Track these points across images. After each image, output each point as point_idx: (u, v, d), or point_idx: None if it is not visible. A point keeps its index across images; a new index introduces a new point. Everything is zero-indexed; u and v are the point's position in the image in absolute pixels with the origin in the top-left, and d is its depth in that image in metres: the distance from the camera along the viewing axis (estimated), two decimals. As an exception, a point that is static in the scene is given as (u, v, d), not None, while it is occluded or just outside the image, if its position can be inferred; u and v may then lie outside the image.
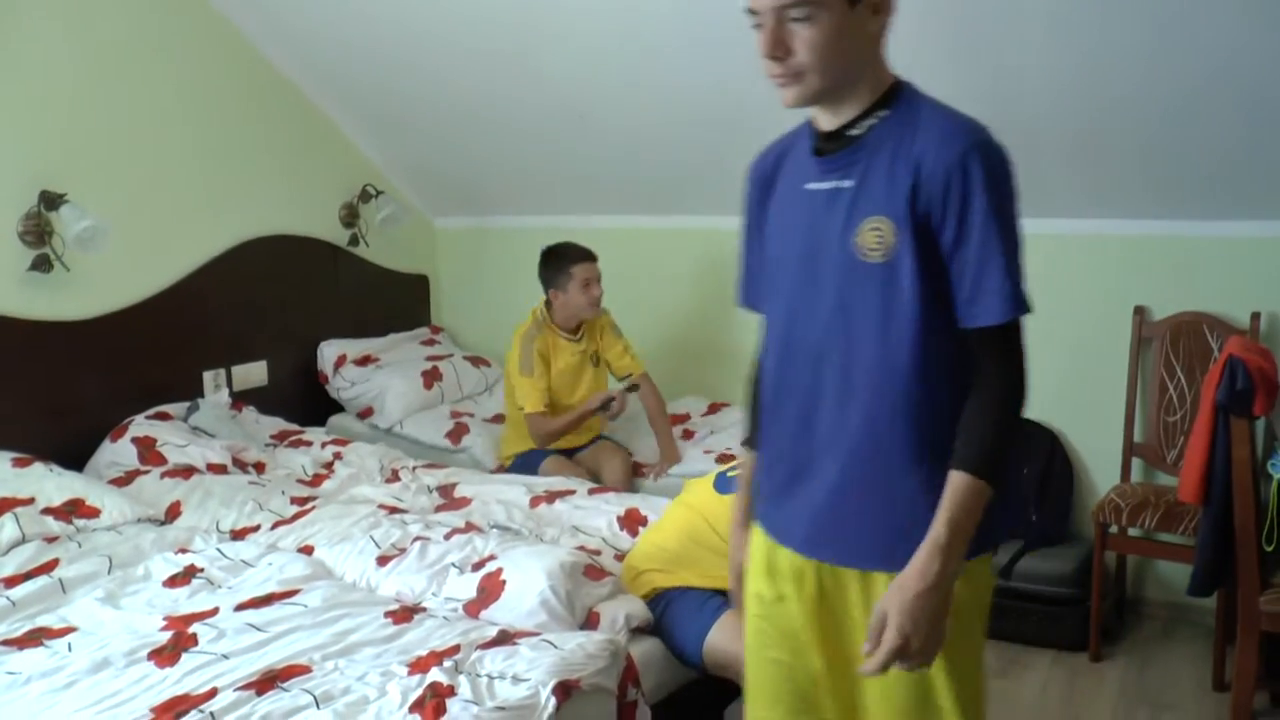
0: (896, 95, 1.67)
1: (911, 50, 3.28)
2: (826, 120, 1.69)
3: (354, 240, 4.70)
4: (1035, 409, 3.82)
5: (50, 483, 3.11)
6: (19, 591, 2.59)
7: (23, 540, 2.86)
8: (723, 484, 2.62)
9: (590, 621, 2.44)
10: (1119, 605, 3.81)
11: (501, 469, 4.00)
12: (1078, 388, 3.90)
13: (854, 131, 1.66)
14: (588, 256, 3.93)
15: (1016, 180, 1.64)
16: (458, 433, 4.22)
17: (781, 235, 1.79)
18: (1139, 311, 3.74)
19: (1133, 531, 3.59)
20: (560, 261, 3.93)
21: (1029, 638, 3.62)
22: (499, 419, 4.31)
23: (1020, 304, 1.59)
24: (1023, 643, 3.62)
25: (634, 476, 3.93)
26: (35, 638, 2.38)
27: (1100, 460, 3.88)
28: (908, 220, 1.59)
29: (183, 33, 3.96)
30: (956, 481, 1.57)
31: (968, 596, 1.73)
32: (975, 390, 1.60)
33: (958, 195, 1.57)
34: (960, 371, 1.62)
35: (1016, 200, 1.63)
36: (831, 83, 1.61)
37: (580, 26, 3.63)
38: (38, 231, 3.46)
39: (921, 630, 1.57)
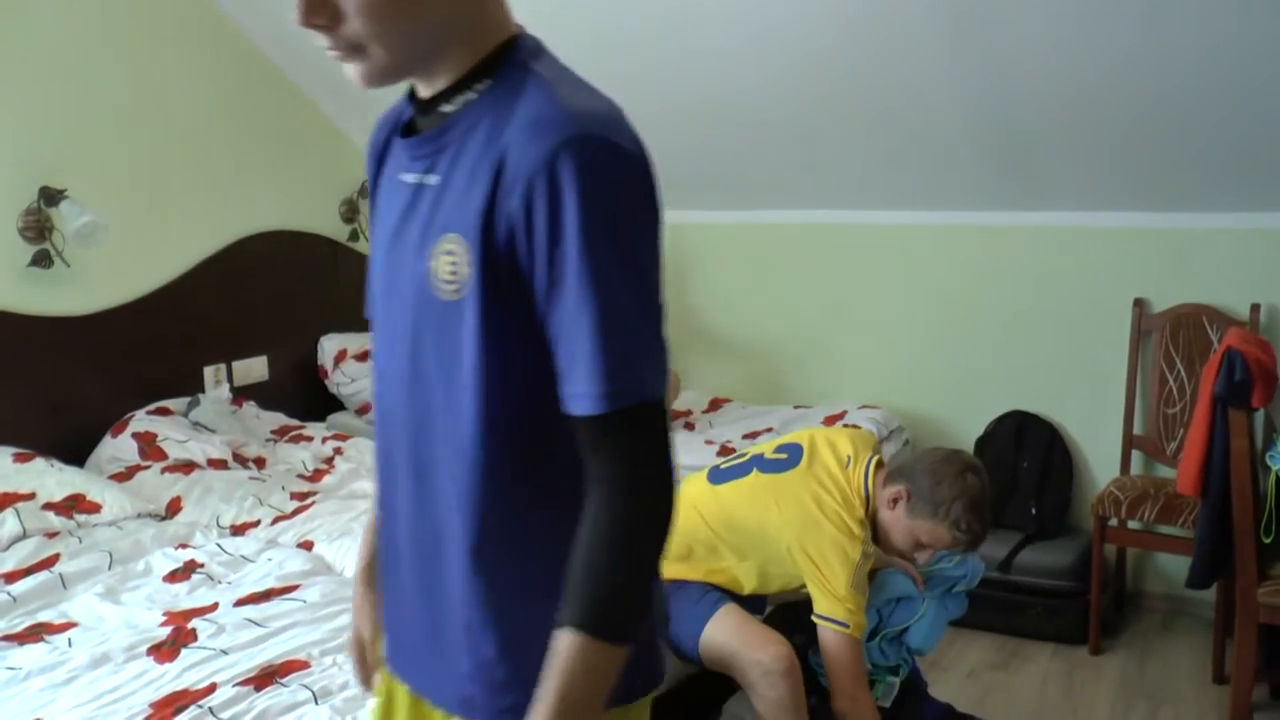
0: (506, 58, 1.19)
1: (905, 41, 3.31)
2: (424, 85, 1.23)
3: (354, 235, 4.70)
4: (1036, 401, 3.89)
5: (51, 478, 3.11)
6: (20, 587, 2.59)
7: (24, 535, 2.87)
8: (716, 476, 2.62)
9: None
10: (1118, 598, 3.81)
11: None
12: (1077, 380, 3.91)
13: (446, 107, 1.20)
14: None
15: (652, 200, 1.15)
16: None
17: (375, 239, 1.30)
18: (1138, 304, 3.74)
19: (1132, 524, 3.60)
20: None
21: (1028, 631, 3.63)
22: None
23: (618, 393, 1.08)
24: (1022, 636, 3.63)
25: None
26: (35, 633, 2.39)
27: (1100, 453, 3.89)
28: (479, 245, 1.11)
29: (183, 29, 3.96)
30: (563, 641, 1.09)
31: None
32: (586, 510, 1.12)
33: (544, 220, 1.08)
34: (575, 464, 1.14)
35: (646, 233, 1.14)
36: (408, 52, 1.16)
37: (577, 23, 3.62)
38: (38, 227, 3.47)
39: None
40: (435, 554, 1.22)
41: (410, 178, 1.22)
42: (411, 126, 1.26)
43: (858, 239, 4.26)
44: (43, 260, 3.48)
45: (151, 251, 3.88)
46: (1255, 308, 3.56)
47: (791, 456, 2.51)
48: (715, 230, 4.45)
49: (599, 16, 3.57)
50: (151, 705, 2.07)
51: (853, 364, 4.33)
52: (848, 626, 2.33)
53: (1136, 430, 3.77)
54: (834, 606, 2.34)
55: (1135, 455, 3.79)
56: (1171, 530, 3.54)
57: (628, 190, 1.12)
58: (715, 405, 4.35)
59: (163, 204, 3.92)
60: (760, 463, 2.55)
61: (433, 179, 1.18)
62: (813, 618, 2.37)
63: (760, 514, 2.45)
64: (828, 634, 2.35)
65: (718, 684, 2.54)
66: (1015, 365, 4.01)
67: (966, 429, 4.06)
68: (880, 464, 2.50)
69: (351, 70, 1.17)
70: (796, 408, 4.24)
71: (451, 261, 1.13)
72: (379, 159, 1.33)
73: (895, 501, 2.40)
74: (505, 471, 1.16)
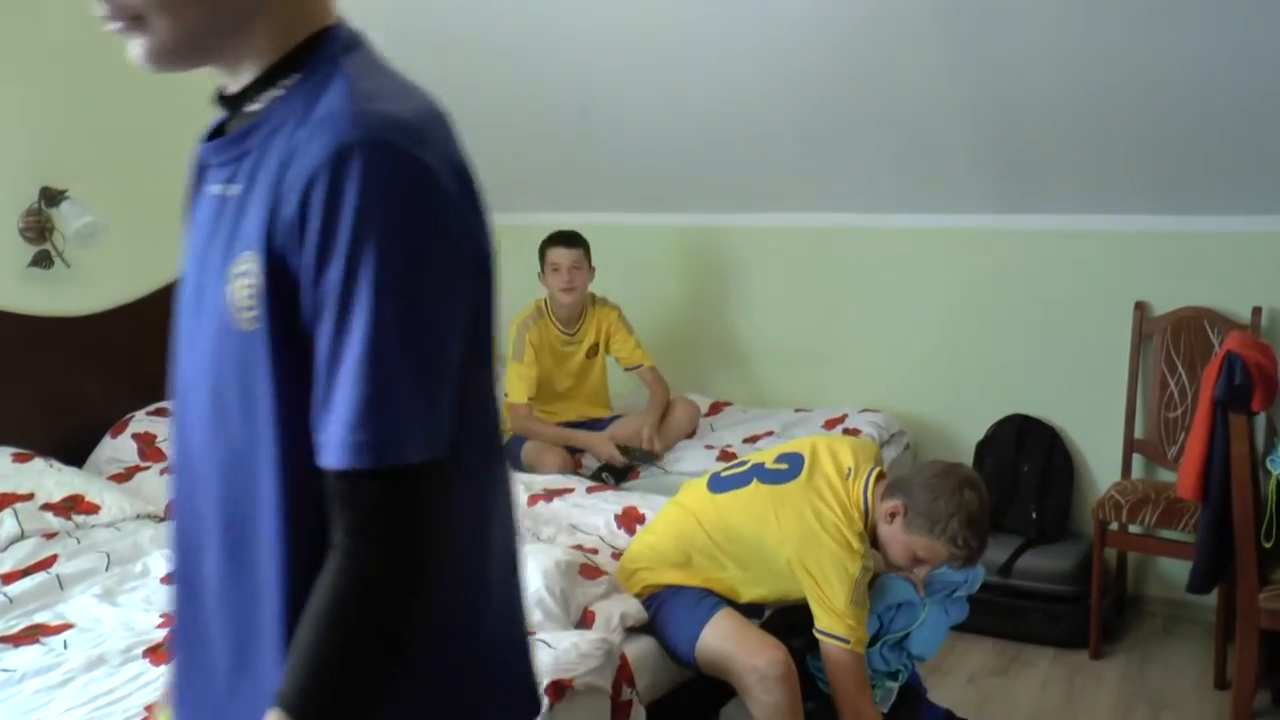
0: (316, 51, 1.02)
1: (907, 45, 3.31)
2: (229, 78, 1.08)
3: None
4: (1037, 405, 3.88)
5: (50, 478, 3.10)
6: (16, 588, 2.59)
7: (21, 536, 2.86)
8: (716, 484, 2.62)
9: (585, 620, 2.44)
10: (1119, 602, 3.80)
11: None
12: (1078, 384, 3.90)
13: (252, 105, 1.04)
14: (561, 241, 3.94)
15: (448, 226, 0.96)
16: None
17: (183, 264, 1.10)
18: (1139, 307, 3.73)
19: (1133, 528, 3.59)
20: (542, 247, 3.98)
21: (1029, 635, 3.62)
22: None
23: (364, 447, 0.91)
24: (1022, 640, 3.63)
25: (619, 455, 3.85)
26: (32, 635, 2.38)
27: (1101, 456, 3.88)
28: (265, 262, 0.95)
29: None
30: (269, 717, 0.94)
31: None
32: (320, 576, 0.95)
33: (315, 233, 0.92)
34: None
35: (436, 264, 0.94)
36: (198, 27, 1.00)
37: (579, 23, 3.62)
38: (38, 228, 3.47)
39: None
40: (250, 626, 1.03)
41: (215, 189, 1.05)
42: (221, 130, 1.09)
43: (858, 242, 4.25)
44: (43, 260, 3.48)
45: (152, 251, 3.87)
46: (1256, 311, 3.55)
47: (792, 467, 2.50)
48: (713, 233, 4.45)
49: (610, 25, 3.58)
50: (147, 708, 2.05)
51: (853, 367, 4.32)
52: (848, 642, 2.33)
53: (1137, 434, 3.76)
54: (834, 622, 2.34)
55: (1136, 459, 3.78)
56: (1172, 534, 3.52)
57: (417, 209, 0.93)
58: (715, 409, 4.34)
59: (163, 204, 3.89)
60: (760, 473, 2.55)
61: (235, 189, 1.01)
62: (814, 633, 2.37)
63: (759, 526, 2.45)
64: (830, 649, 2.35)
65: (714, 689, 2.53)
66: (1016, 369, 4.00)
67: (967, 433, 4.05)
68: (881, 475, 2.49)
69: (133, 48, 1.02)
70: (797, 411, 4.23)
71: (248, 285, 0.96)
72: (200, 171, 1.11)
73: (893, 516, 2.39)
74: (316, 527, 0.96)
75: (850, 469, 2.47)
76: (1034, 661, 3.53)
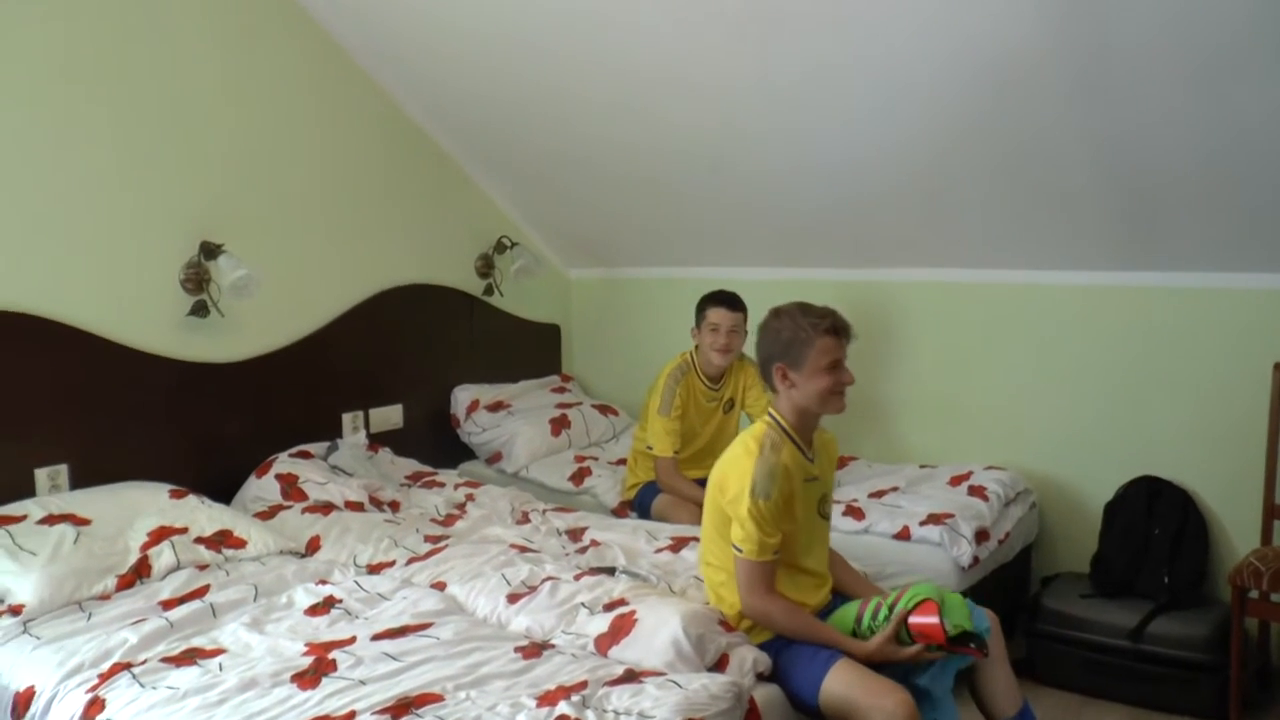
0: None
1: (1030, 100, 3.31)
2: None
3: (489, 290, 4.86)
4: (1168, 467, 3.80)
5: (202, 514, 3.29)
6: (176, 614, 2.74)
7: (178, 566, 3.05)
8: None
9: (721, 665, 2.47)
10: (1262, 673, 3.67)
11: (625, 504, 4.08)
12: (1213, 446, 3.81)
13: None
14: (723, 302, 3.99)
15: None
16: (580, 475, 4.32)
17: None
18: (1279, 369, 3.64)
19: (1275, 597, 3.47)
20: (702, 303, 4.03)
21: (1163, 703, 3.52)
22: (622, 462, 4.39)
23: None
24: (1154, 708, 3.52)
25: None
26: (190, 657, 2.52)
27: (1238, 522, 3.77)
28: None
29: (329, 92, 4.19)
30: None
31: None
32: None
33: None
34: None
35: None
36: None
37: (710, 80, 3.73)
38: (197, 279, 3.68)
39: None
40: None
41: None
42: None
43: (986, 298, 4.24)
44: (200, 310, 3.69)
45: (298, 303, 4.08)
46: (1406, 375, 3.44)
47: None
48: (839, 288, 4.47)
49: (738, 80, 3.67)
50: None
51: (980, 424, 4.29)
52: (742, 551, 2.56)
53: (1278, 500, 3.65)
54: (736, 532, 2.57)
55: (1278, 526, 3.66)
56: (1318, 605, 3.40)
57: None
58: (842, 463, 4.34)
59: (309, 258, 4.13)
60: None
61: None
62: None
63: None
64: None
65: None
66: (1147, 429, 3.93)
67: (1095, 492, 3.98)
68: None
69: None
70: (922, 467, 4.21)
71: None
72: None
73: (784, 376, 2.62)
74: None
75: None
76: (1168, 731, 3.42)
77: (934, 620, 2.44)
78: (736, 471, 2.61)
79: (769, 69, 3.56)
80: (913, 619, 2.47)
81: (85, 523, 3.08)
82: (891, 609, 2.52)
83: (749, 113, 3.82)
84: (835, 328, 2.62)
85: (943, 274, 4.32)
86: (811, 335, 2.58)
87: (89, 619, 2.75)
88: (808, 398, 2.62)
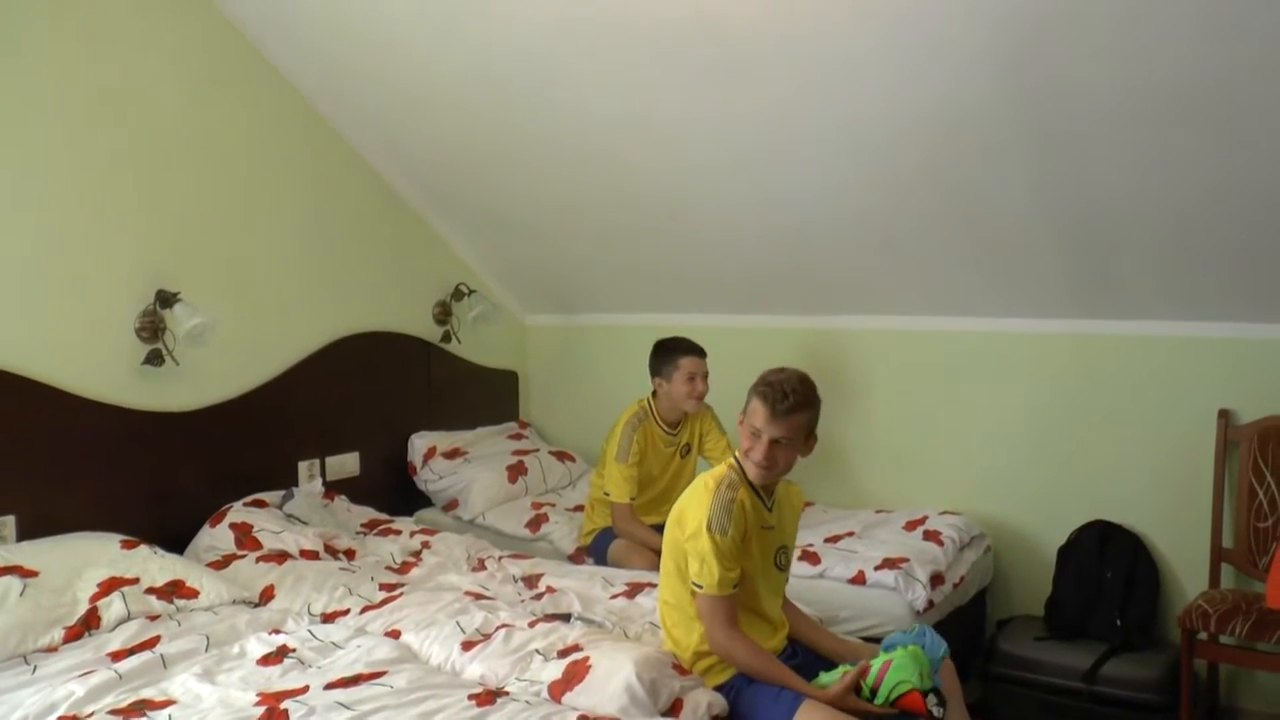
0: None
1: (987, 151, 3.38)
2: None
3: (446, 337, 4.87)
4: (1119, 511, 3.85)
5: (154, 564, 3.24)
6: (125, 665, 2.69)
7: (128, 617, 3.00)
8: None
9: (674, 709, 2.47)
10: (1211, 714, 3.70)
11: (581, 550, 4.07)
12: (1162, 491, 3.87)
13: None
14: (696, 351, 4.03)
15: None
16: (537, 522, 4.31)
17: None
18: (1224, 415, 3.71)
19: (1225, 639, 3.51)
20: (670, 353, 4.05)
21: (1116, 745, 3.53)
22: (579, 509, 4.39)
23: None
24: (1110, 751, 3.54)
25: None
26: (139, 709, 2.48)
27: (1187, 565, 3.83)
28: None
29: (286, 139, 4.20)
30: None
31: None
32: None
33: None
34: None
35: None
36: None
37: (669, 127, 3.77)
38: (152, 328, 3.66)
39: None
40: None
41: None
42: None
43: (941, 345, 4.30)
44: (155, 359, 3.66)
45: (254, 351, 4.06)
46: (1346, 419, 3.52)
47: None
48: (796, 335, 4.52)
49: (698, 130, 3.72)
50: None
51: (935, 469, 4.33)
52: (702, 587, 2.59)
53: (1225, 543, 3.71)
54: (696, 569, 2.61)
55: (1226, 569, 3.72)
56: (1267, 647, 3.44)
57: None
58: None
59: (266, 305, 4.12)
60: None
61: None
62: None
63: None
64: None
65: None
66: (1099, 474, 3.99)
67: (1049, 536, 4.03)
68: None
69: None
70: (878, 512, 4.24)
71: None
72: None
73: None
74: None
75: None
76: (1123, 774, 3.44)
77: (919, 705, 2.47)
78: (695, 506, 2.65)
79: (728, 116, 3.61)
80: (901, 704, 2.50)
81: (33, 574, 3.02)
82: (873, 691, 2.53)
83: (707, 159, 3.87)
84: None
85: (898, 321, 4.38)
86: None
87: (34, 671, 2.69)
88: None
